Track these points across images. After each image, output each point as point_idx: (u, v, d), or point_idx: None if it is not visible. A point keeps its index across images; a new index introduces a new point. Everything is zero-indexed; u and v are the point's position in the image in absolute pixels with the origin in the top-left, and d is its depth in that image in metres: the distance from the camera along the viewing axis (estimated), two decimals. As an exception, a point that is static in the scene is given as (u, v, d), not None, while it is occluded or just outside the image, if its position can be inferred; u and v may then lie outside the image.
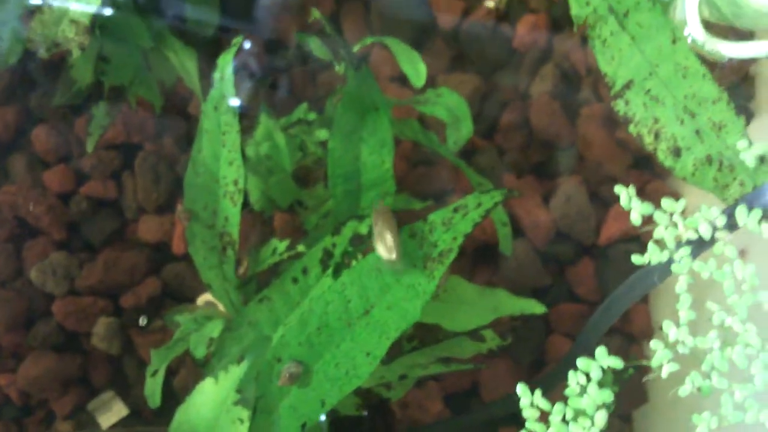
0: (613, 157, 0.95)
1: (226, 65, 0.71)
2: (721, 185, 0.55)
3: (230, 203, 0.74)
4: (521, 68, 1.01)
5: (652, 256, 0.61)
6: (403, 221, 0.96)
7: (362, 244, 0.73)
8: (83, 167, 0.98)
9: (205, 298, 0.94)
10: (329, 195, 0.90)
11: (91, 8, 0.75)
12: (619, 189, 0.62)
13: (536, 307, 0.71)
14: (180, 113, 1.01)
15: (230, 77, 0.71)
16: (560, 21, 1.03)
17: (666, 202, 0.61)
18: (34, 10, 0.77)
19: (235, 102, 0.98)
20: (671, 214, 0.61)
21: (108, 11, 0.85)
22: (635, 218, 0.62)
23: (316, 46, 0.79)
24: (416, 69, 0.76)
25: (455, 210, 0.66)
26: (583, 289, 0.93)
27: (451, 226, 0.65)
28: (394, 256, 0.63)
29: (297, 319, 0.66)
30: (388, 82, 1.02)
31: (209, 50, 0.99)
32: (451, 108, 0.74)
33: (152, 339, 0.95)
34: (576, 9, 0.62)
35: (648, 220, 0.93)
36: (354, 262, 0.72)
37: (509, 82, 1.01)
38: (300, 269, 0.72)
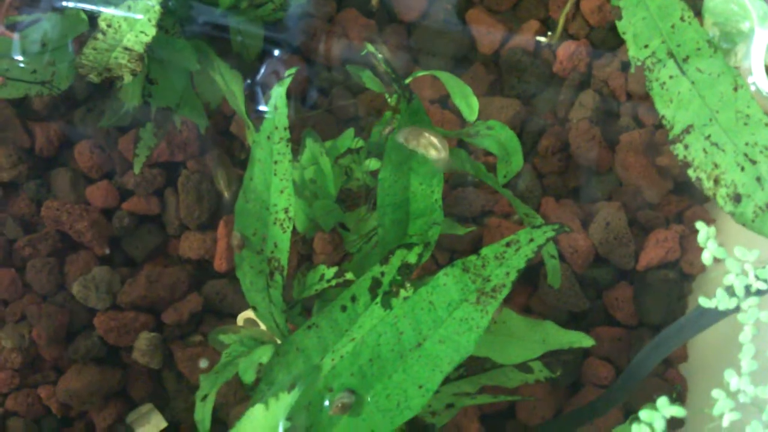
0: (653, 184, 0.96)
1: (279, 97, 0.72)
2: (781, 232, 0.56)
3: (280, 230, 0.75)
4: (561, 93, 1.02)
5: (720, 302, 0.62)
6: (448, 247, 0.98)
7: (410, 272, 0.74)
8: (126, 184, 0.99)
9: (245, 315, 0.95)
10: (371, 216, 0.91)
11: (147, 38, 0.76)
12: (700, 225, 0.62)
13: (585, 341, 0.72)
14: (222, 132, 1.02)
15: (284, 109, 0.72)
16: (600, 47, 1.03)
17: (739, 251, 0.61)
18: (87, 37, 0.78)
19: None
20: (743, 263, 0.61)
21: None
22: (707, 259, 0.62)
23: (368, 79, 0.80)
24: (468, 103, 0.77)
25: (508, 245, 0.66)
26: (620, 313, 0.94)
27: (503, 261, 0.66)
28: (444, 153, 0.65)
29: (349, 350, 0.67)
30: (429, 104, 1.03)
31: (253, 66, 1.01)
32: (502, 142, 0.75)
33: (192, 353, 0.96)
34: (634, 51, 0.63)
35: (690, 247, 0.94)
36: (402, 291, 0.73)
37: (548, 107, 1.02)
38: (349, 297, 0.73)
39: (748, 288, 0.60)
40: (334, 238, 0.96)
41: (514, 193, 0.98)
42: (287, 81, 0.72)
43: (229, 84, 0.92)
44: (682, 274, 0.95)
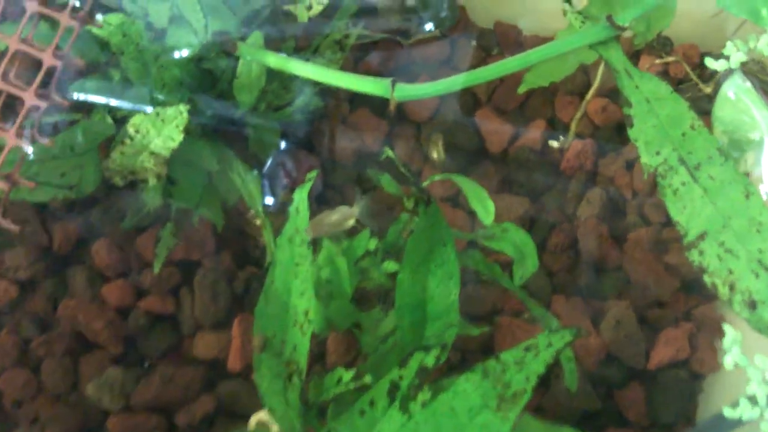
0: (661, 281, 0.97)
1: (301, 201, 0.74)
2: (796, 341, 0.57)
3: (299, 333, 0.76)
4: (568, 191, 1.05)
5: (744, 411, 0.62)
6: (459, 346, 0.98)
7: (428, 376, 0.75)
8: (143, 283, 1.00)
9: (257, 417, 0.94)
10: (386, 317, 0.92)
11: (174, 144, 0.79)
12: (727, 329, 0.63)
13: (603, 447, 0.72)
14: (238, 230, 1.04)
15: (305, 212, 0.74)
16: (605, 145, 1.06)
17: (760, 359, 0.62)
18: (113, 142, 0.80)
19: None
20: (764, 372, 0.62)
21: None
22: (729, 364, 0.63)
23: (387, 183, 0.82)
24: (485, 206, 0.79)
25: (527, 349, 0.67)
26: (632, 413, 0.94)
27: (523, 366, 0.66)
28: (349, 217, 0.74)
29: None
30: (440, 201, 1.05)
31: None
32: (517, 244, 0.77)
33: (204, 456, 0.96)
34: (646, 158, 0.65)
35: (699, 345, 0.95)
36: (420, 395, 0.73)
37: (556, 204, 1.04)
38: (367, 401, 0.73)
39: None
40: (348, 338, 0.96)
41: (527, 291, 0.99)
42: (308, 185, 0.75)
43: (247, 184, 0.94)
44: (692, 373, 0.96)
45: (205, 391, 0.98)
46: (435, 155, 1.01)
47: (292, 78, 0.95)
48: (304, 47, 0.95)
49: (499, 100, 1.10)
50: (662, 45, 1.05)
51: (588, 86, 1.08)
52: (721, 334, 0.96)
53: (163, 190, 0.90)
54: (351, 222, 0.81)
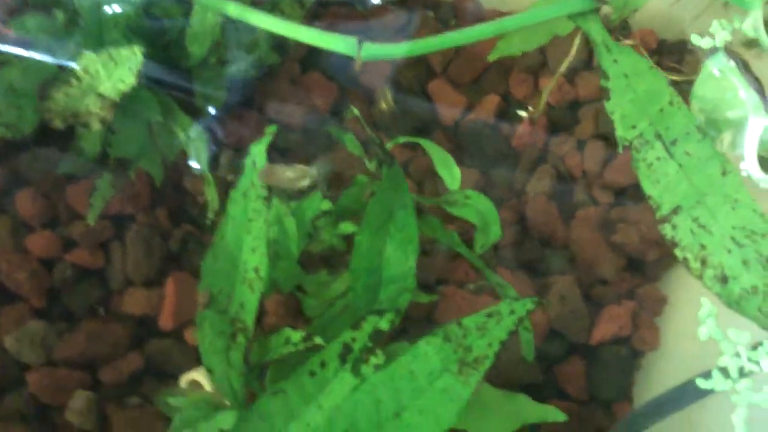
0: (607, 260, 0.98)
1: (259, 154, 0.71)
2: (765, 314, 0.57)
3: (248, 290, 0.73)
4: (518, 166, 1.04)
5: (716, 384, 0.62)
6: (412, 316, 0.97)
7: (382, 339, 0.73)
8: (71, 234, 0.94)
9: (189, 377, 0.90)
10: (333, 280, 0.89)
11: (125, 86, 0.74)
12: (704, 301, 0.63)
13: (558, 415, 0.72)
14: (175, 187, 0.99)
15: (262, 166, 0.70)
16: (557, 125, 1.06)
17: (733, 333, 0.62)
18: (56, 82, 0.75)
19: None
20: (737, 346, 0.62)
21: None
22: (704, 334, 0.63)
23: (350, 142, 0.79)
24: (451, 172, 0.77)
25: (489, 315, 0.66)
26: (572, 387, 0.94)
27: (485, 332, 0.65)
28: (306, 179, 0.71)
29: (322, 418, 0.65)
30: (388, 169, 1.02)
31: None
32: (480, 212, 0.75)
33: (129, 416, 0.91)
34: (621, 131, 0.64)
35: (641, 324, 0.96)
36: (373, 358, 0.71)
37: (506, 180, 1.03)
38: (318, 363, 0.70)
39: (741, 370, 0.61)
40: (289, 300, 0.93)
41: (471, 263, 0.98)
42: (267, 139, 0.71)
43: (193, 140, 0.89)
44: (633, 350, 0.96)
45: (134, 348, 0.93)
46: (384, 105, 0.98)
47: (245, 32, 0.91)
48: (261, 2, 0.91)
49: (454, 72, 1.08)
50: (621, 28, 1.05)
51: (543, 64, 1.08)
52: (662, 313, 0.97)
53: (103, 138, 0.85)
54: (305, 182, 0.77)
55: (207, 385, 0.89)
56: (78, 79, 0.73)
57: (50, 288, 0.94)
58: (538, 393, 0.95)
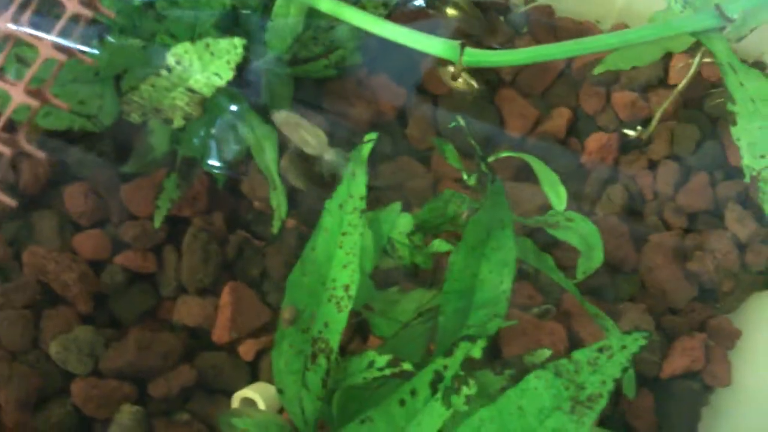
0: (679, 288, 0.94)
1: (360, 163, 0.66)
2: None
3: (335, 308, 0.68)
4: (587, 185, 1.00)
5: None
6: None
7: (474, 368, 0.68)
8: (122, 235, 0.89)
9: (242, 395, 0.85)
10: (403, 299, 0.85)
11: (221, 82, 0.68)
12: None
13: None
14: (231, 189, 0.94)
15: (362, 177, 0.66)
16: (629, 141, 1.02)
17: None
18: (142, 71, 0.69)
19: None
20: None
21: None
22: None
23: (450, 154, 0.75)
24: (557, 192, 0.73)
25: (600, 350, 0.62)
26: (641, 422, 0.90)
27: (597, 368, 0.61)
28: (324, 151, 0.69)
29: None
30: (453, 182, 0.98)
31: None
32: (583, 235, 0.71)
33: (177, 433, 0.86)
34: (748, 160, 0.61)
35: (713, 358, 0.92)
36: (464, 388, 0.67)
37: (574, 199, 0.99)
38: (408, 391, 0.66)
39: None
40: (351, 317, 0.88)
41: (536, 285, 0.94)
42: (368, 146, 0.66)
43: (261, 140, 0.84)
44: (704, 385, 0.92)
45: (185, 361, 0.88)
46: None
47: (325, 29, 0.86)
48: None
49: (524, 82, 1.04)
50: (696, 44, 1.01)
51: (616, 78, 1.04)
52: (734, 347, 0.93)
53: (171, 135, 0.80)
54: (313, 150, 0.72)
55: (261, 405, 0.85)
56: (169, 69, 0.67)
57: (97, 293, 0.89)
58: (604, 427, 0.90)
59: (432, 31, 0.95)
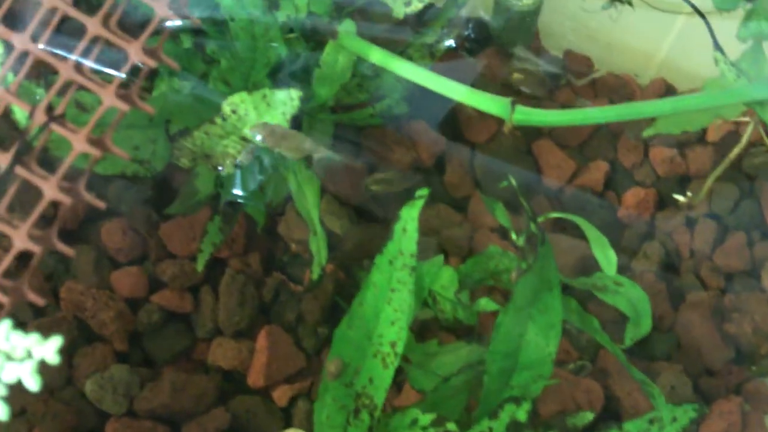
0: (715, 349, 0.93)
1: (410, 220, 0.66)
2: None
3: (380, 365, 0.68)
4: (623, 240, 0.99)
5: None
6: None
7: (518, 430, 0.68)
8: (160, 274, 0.89)
9: (277, 442, 0.85)
10: (441, 351, 0.84)
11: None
12: None
13: None
14: (269, 232, 0.94)
15: (414, 233, 0.66)
16: (666, 197, 1.02)
17: None
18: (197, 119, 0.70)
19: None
20: None
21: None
22: None
23: (500, 213, 0.75)
24: (607, 255, 0.73)
25: (651, 422, 0.61)
26: (674, 484, 0.89)
27: (649, 441, 0.60)
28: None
29: None
30: (490, 232, 0.98)
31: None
32: (633, 301, 0.71)
33: (209, 477, 0.85)
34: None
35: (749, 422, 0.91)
36: (510, 453, 0.67)
37: (611, 253, 0.99)
38: (452, 453, 0.66)
39: None
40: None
41: (572, 341, 0.93)
42: (419, 203, 0.66)
43: (302, 185, 0.84)
44: (742, 451, 0.92)
45: (218, 404, 0.88)
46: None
47: (371, 76, 0.86)
48: (388, 48, 0.86)
49: (561, 133, 1.04)
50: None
51: (654, 134, 1.04)
52: (771, 412, 0.93)
53: (216, 179, 0.80)
54: (294, 155, 0.72)
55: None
56: (224, 118, 0.68)
57: (132, 331, 0.89)
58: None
59: (463, 75, 0.96)
